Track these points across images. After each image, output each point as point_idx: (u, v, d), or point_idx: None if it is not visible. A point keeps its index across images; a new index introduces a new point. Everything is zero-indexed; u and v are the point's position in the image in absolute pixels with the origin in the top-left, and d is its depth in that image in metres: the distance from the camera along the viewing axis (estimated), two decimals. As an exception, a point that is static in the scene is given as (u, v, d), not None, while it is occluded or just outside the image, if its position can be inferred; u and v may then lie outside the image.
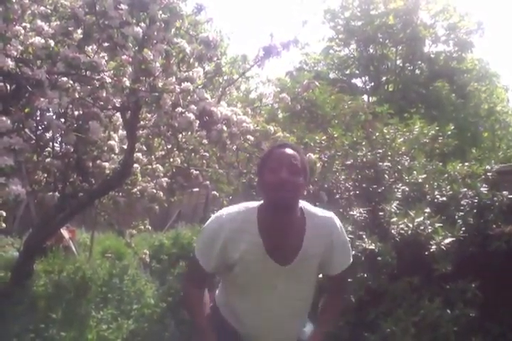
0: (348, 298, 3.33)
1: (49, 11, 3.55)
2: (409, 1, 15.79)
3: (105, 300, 4.64)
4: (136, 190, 5.23)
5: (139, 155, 4.86)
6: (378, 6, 16.53)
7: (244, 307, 1.84)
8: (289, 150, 1.71)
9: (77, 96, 3.55)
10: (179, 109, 3.57)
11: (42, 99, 2.99)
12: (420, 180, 4.04)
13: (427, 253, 3.34)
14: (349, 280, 3.37)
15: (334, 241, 1.80)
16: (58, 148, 4.53)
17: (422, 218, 3.47)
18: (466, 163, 4.25)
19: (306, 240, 1.73)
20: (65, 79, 3.28)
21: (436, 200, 3.88)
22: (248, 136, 3.98)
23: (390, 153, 4.39)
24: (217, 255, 1.73)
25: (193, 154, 5.04)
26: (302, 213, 1.76)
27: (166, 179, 5.22)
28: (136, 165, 4.77)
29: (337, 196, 4.17)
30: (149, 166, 5.21)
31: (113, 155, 4.64)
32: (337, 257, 1.83)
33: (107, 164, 4.61)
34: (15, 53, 3.04)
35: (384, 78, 17.22)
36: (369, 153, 4.34)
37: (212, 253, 1.74)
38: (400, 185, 4.10)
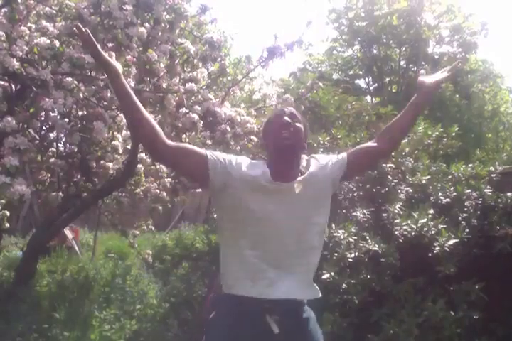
0: (352, 300, 3.33)
1: (54, 12, 3.56)
2: (413, 2, 15.77)
3: (108, 300, 4.65)
4: (139, 190, 5.24)
5: (143, 155, 4.86)
6: (382, 6, 16.51)
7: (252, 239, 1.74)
8: (286, 109, 1.87)
9: (82, 96, 3.56)
10: (183, 110, 3.57)
11: (47, 100, 3.00)
12: (424, 181, 4.03)
13: (430, 254, 3.34)
14: (352, 281, 3.38)
15: (333, 161, 1.90)
16: (62, 148, 4.55)
17: (425, 219, 3.46)
18: (470, 165, 4.24)
19: (311, 169, 1.81)
20: (69, 79, 3.29)
21: (440, 202, 3.87)
22: (252, 137, 3.98)
23: (393, 154, 4.38)
24: (227, 164, 1.74)
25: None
26: (306, 160, 1.88)
27: (170, 179, 5.23)
28: (139, 166, 4.79)
29: (340, 197, 4.16)
30: (153, 166, 5.22)
31: (117, 155, 4.65)
32: (336, 162, 1.90)
33: (110, 164, 4.63)
34: (20, 53, 3.05)
35: (388, 79, 17.21)
36: (373, 154, 4.33)
37: (222, 160, 1.75)
38: (404, 186, 4.09)
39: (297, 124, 1.80)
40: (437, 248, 3.30)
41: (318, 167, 1.83)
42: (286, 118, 1.79)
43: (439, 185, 4.02)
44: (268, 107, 4.79)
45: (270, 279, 1.71)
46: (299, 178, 1.76)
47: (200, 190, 5.62)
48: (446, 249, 3.28)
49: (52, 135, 4.31)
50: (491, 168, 4.09)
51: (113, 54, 2.95)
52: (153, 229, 6.07)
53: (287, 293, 1.71)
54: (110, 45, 3.44)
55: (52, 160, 4.33)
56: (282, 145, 1.75)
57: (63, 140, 4.42)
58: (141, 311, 4.44)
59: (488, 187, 3.86)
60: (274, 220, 1.72)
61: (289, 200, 1.74)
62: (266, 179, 1.72)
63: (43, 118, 3.91)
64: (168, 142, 1.78)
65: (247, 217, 1.73)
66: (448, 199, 3.88)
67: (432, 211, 3.59)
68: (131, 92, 1.79)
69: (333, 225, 3.56)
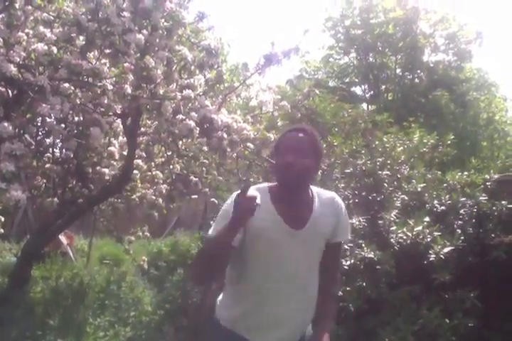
0: (347, 307, 3.32)
1: (52, 18, 3.58)
2: (409, 11, 15.88)
3: (103, 307, 4.61)
4: (135, 196, 5.23)
5: (139, 161, 4.87)
6: (378, 15, 16.61)
7: (254, 285, 1.80)
8: (298, 134, 1.78)
9: (79, 102, 3.56)
10: (180, 116, 3.58)
11: (43, 105, 3.00)
12: (419, 189, 4.05)
13: (426, 262, 3.34)
14: (348, 288, 3.37)
15: (339, 213, 1.90)
16: (58, 154, 4.54)
17: (421, 227, 3.47)
18: (466, 172, 4.26)
19: (316, 208, 1.82)
20: (66, 85, 3.29)
21: (435, 209, 3.89)
22: (248, 144, 3.99)
23: (389, 162, 4.40)
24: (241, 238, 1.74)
25: (192, 161, 5.05)
26: (311, 191, 1.87)
27: (166, 186, 5.23)
28: (135, 172, 4.78)
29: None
30: (149, 173, 5.22)
31: (113, 161, 4.65)
32: (341, 226, 1.90)
33: (106, 170, 4.62)
34: (17, 59, 3.07)
35: (383, 87, 17.26)
36: (368, 162, 4.34)
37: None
38: (400, 193, 4.10)
39: (301, 162, 1.72)
40: (433, 255, 3.31)
41: (324, 210, 1.84)
42: (290, 157, 1.71)
43: (435, 192, 4.03)
44: (265, 114, 4.81)
45: (267, 326, 1.79)
46: (306, 226, 1.78)
47: (196, 196, 5.62)
48: (442, 256, 3.28)
49: (48, 140, 4.30)
50: (486, 176, 4.12)
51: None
52: (148, 235, 6.05)
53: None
54: (108, 51, 3.46)
55: (48, 165, 4.33)
56: (285, 184, 1.76)
57: (59, 145, 4.41)
58: (135, 318, 4.41)
59: (484, 195, 3.88)
60: (281, 264, 1.77)
61: (295, 248, 1.77)
62: (275, 228, 1.75)
63: (39, 124, 3.91)
64: None
65: (256, 258, 1.77)
66: (443, 207, 3.89)
67: (427, 218, 3.59)
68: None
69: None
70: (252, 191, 1.72)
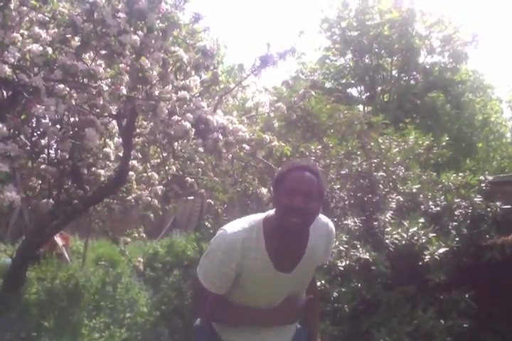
0: (343, 308, 3.33)
1: (47, 19, 3.57)
2: (405, 13, 15.94)
3: (98, 308, 4.60)
4: (131, 197, 5.22)
5: (135, 162, 4.85)
6: (374, 16, 16.67)
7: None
8: (307, 174, 1.68)
9: (74, 103, 3.55)
10: (175, 117, 3.58)
11: (38, 106, 3.00)
12: (414, 190, 4.06)
13: (420, 263, 3.35)
14: (343, 289, 3.38)
15: (331, 241, 1.89)
16: (53, 155, 4.52)
17: (416, 228, 3.48)
18: (460, 174, 4.28)
19: (310, 242, 1.77)
20: (61, 86, 3.28)
21: (430, 210, 3.90)
22: (244, 145, 3.99)
23: (384, 163, 4.41)
24: (226, 280, 1.72)
25: (188, 162, 5.05)
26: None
27: (161, 187, 5.21)
28: (131, 173, 4.77)
29: (332, 205, 4.17)
30: (145, 174, 5.20)
31: (108, 162, 4.64)
32: (328, 252, 1.92)
33: (102, 171, 4.61)
34: (12, 60, 3.06)
35: (379, 88, 17.31)
36: (364, 163, 4.36)
37: (222, 278, 1.71)
38: (395, 195, 4.12)
39: (310, 207, 1.65)
40: (427, 256, 3.32)
41: (317, 243, 1.80)
42: (300, 200, 1.63)
43: (430, 193, 4.05)
44: (261, 115, 4.82)
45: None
46: (299, 264, 1.76)
47: (191, 197, 5.61)
48: (437, 257, 3.30)
49: (43, 141, 4.28)
50: (481, 177, 4.13)
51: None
52: (144, 236, 6.03)
53: None
54: (103, 52, 3.45)
55: (43, 166, 4.31)
56: (288, 228, 1.65)
57: (54, 146, 4.39)
58: (131, 319, 4.40)
59: (478, 196, 3.90)
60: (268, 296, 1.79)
61: (284, 283, 1.78)
62: (267, 271, 1.72)
63: (34, 125, 3.90)
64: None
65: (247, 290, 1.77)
66: (438, 208, 3.91)
67: (422, 220, 3.60)
68: None
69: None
70: (245, 228, 1.71)
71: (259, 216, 1.78)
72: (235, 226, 1.74)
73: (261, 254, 1.70)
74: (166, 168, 5.10)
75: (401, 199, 4.05)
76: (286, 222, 1.64)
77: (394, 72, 17.23)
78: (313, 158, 4.51)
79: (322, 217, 1.86)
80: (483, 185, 4.08)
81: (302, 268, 1.78)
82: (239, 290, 1.76)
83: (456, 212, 3.86)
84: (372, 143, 4.67)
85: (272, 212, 1.75)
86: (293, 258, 1.75)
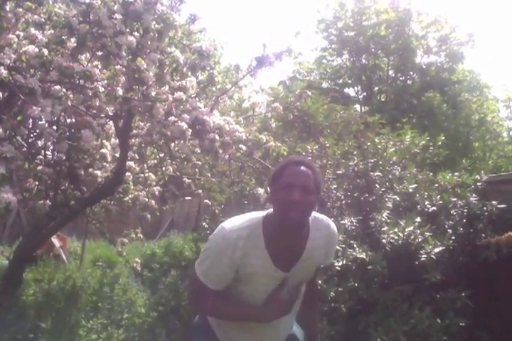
0: (340, 308, 3.34)
1: (43, 20, 3.57)
2: (401, 13, 15.99)
3: (95, 310, 4.60)
4: (128, 198, 5.22)
5: (132, 163, 4.85)
6: (371, 17, 16.70)
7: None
8: (303, 169, 1.70)
9: (70, 104, 3.55)
10: (172, 118, 3.58)
11: (34, 108, 2.99)
12: (411, 190, 4.08)
13: (417, 262, 3.36)
14: (340, 289, 3.39)
15: (332, 243, 1.89)
16: (50, 156, 4.51)
17: (412, 227, 3.49)
18: (457, 173, 4.29)
19: (310, 242, 1.77)
20: (58, 87, 3.28)
21: (426, 210, 3.91)
22: (240, 145, 3.99)
23: (381, 163, 4.42)
24: (223, 275, 1.72)
25: (185, 163, 5.05)
26: (308, 222, 1.80)
27: (158, 187, 5.22)
28: (128, 174, 4.77)
29: (328, 205, 4.18)
30: (141, 175, 5.21)
31: (105, 163, 4.64)
32: (330, 254, 1.92)
33: (99, 172, 4.61)
34: (8, 61, 3.05)
35: (376, 88, 17.34)
36: (360, 163, 4.37)
37: (219, 274, 1.72)
38: (391, 194, 4.13)
39: (308, 199, 1.67)
40: (424, 256, 3.33)
41: (317, 241, 1.80)
42: (297, 194, 1.64)
43: (426, 193, 4.06)
44: (257, 115, 4.82)
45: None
46: (298, 262, 1.76)
47: (189, 198, 5.62)
48: (433, 256, 3.31)
49: (40, 143, 4.28)
50: (477, 177, 4.15)
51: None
52: (141, 237, 6.04)
53: None
54: (99, 53, 3.45)
55: (39, 168, 4.31)
56: (287, 222, 1.66)
57: (51, 148, 4.39)
58: (128, 320, 4.40)
59: (474, 195, 3.92)
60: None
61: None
62: (266, 269, 1.73)
63: (30, 126, 3.90)
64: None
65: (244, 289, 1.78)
66: (434, 208, 3.92)
67: (418, 219, 3.62)
68: None
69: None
70: (245, 225, 1.71)
71: (260, 213, 1.79)
72: (233, 222, 1.75)
73: (261, 252, 1.71)
74: (163, 168, 5.10)
75: (397, 198, 4.06)
76: (285, 216, 1.65)
77: (391, 72, 17.28)
78: (309, 158, 4.52)
79: (324, 218, 1.86)
80: (479, 184, 4.10)
81: (300, 269, 1.78)
82: (238, 287, 1.77)
83: (452, 212, 3.88)
84: (368, 143, 4.68)
85: (271, 210, 1.76)
86: (291, 256, 1.76)
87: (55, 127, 3.86)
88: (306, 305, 1.96)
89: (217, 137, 3.63)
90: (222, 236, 1.70)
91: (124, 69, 3.44)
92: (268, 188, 1.83)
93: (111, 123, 4.28)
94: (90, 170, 4.58)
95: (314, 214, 1.83)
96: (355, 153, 4.59)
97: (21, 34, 3.50)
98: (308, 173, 1.69)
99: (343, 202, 4.21)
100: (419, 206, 3.96)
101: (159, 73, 3.62)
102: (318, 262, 1.88)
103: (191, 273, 1.84)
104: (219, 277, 1.72)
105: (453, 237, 3.51)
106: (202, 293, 1.77)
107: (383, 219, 3.72)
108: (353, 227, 3.77)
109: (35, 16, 3.56)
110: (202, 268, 1.75)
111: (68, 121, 4.12)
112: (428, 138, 4.90)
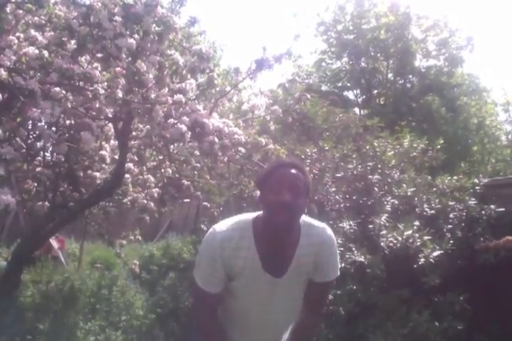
0: (338, 311, 3.33)
1: (43, 22, 3.57)
2: (401, 16, 16.01)
3: (94, 311, 4.59)
4: (127, 200, 5.22)
5: (131, 165, 4.86)
6: (370, 20, 16.72)
7: (238, 317, 1.86)
8: (292, 171, 1.68)
9: (70, 106, 3.55)
10: (171, 121, 3.58)
11: (34, 109, 2.99)
12: (409, 193, 4.08)
13: (415, 266, 3.37)
14: (338, 292, 3.38)
15: (324, 250, 1.80)
16: (49, 158, 4.52)
17: (410, 231, 3.50)
18: (455, 177, 4.30)
19: (299, 249, 1.74)
20: (57, 89, 3.29)
21: (425, 213, 3.92)
22: (239, 148, 3.99)
23: (380, 166, 4.43)
24: (220, 275, 1.72)
25: (184, 165, 5.05)
26: (299, 227, 1.76)
27: (157, 189, 5.22)
28: (127, 176, 4.77)
29: (327, 208, 4.18)
30: (140, 176, 5.21)
31: (104, 165, 4.64)
32: (329, 265, 1.83)
33: (98, 174, 4.61)
34: (8, 63, 3.05)
35: (375, 91, 17.36)
36: (359, 166, 4.37)
37: (215, 274, 1.72)
38: (390, 197, 4.13)
39: (298, 202, 1.64)
40: (422, 259, 3.33)
41: (307, 249, 1.76)
42: (286, 197, 1.61)
43: (425, 196, 4.07)
44: (257, 118, 4.82)
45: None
46: (290, 269, 1.74)
47: (188, 200, 5.62)
48: (431, 260, 3.31)
49: (39, 144, 4.28)
50: (476, 181, 4.16)
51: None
52: (140, 239, 6.03)
53: None
54: (99, 55, 3.46)
55: (38, 169, 4.31)
56: (277, 225, 1.64)
57: (50, 149, 4.39)
58: (127, 322, 4.39)
59: (473, 199, 3.92)
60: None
61: (274, 289, 1.76)
62: (254, 271, 1.71)
63: (30, 128, 3.90)
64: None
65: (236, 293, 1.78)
66: (433, 211, 3.93)
67: (417, 222, 3.62)
68: None
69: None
70: (235, 226, 1.71)
71: (250, 215, 1.78)
72: (224, 224, 1.75)
73: (250, 252, 1.70)
74: (162, 170, 5.11)
75: (396, 202, 4.06)
76: (273, 219, 1.63)
77: (390, 76, 17.29)
78: (308, 161, 4.53)
79: (321, 226, 1.82)
80: (477, 188, 4.11)
81: (293, 277, 1.75)
82: (231, 292, 1.77)
83: (450, 215, 3.88)
84: (367, 146, 4.68)
85: (261, 212, 1.75)
86: (282, 262, 1.73)
87: (54, 129, 3.86)
88: (297, 321, 1.92)
89: (216, 139, 3.64)
90: (213, 238, 1.71)
91: (123, 71, 3.44)
92: (257, 188, 1.80)
93: (110, 125, 4.28)
94: (89, 171, 4.58)
95: (310, 220, 1.80)
96: (354, 156, 4.60)
97: (21, 36, 3.50)
98: (299, 176, 1.68)
99: (342, 205, 4.21)
100: (417, 209, 3.96)
101: (159, 75, 3.63)
102: (307, 273, 1.79)
103: (193, 284, 1.83)
104: (211, 276, 1.72)
105: (451, 241, 3.51)
106: (202, 302, 1.78)
107: (382, 223, 3.72)
108: (352, 230, 3.77)
109: (36, 18, 3.58)
110: (199, 273, 1.75)
111: (68, 122, 4.12)
112: (427, 141, 4.91)
